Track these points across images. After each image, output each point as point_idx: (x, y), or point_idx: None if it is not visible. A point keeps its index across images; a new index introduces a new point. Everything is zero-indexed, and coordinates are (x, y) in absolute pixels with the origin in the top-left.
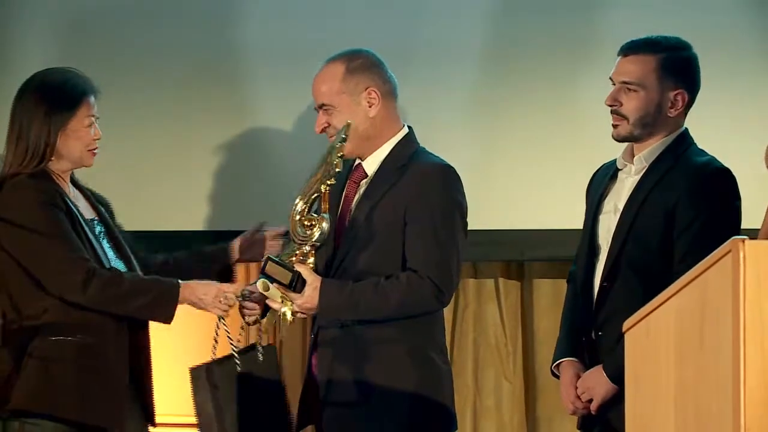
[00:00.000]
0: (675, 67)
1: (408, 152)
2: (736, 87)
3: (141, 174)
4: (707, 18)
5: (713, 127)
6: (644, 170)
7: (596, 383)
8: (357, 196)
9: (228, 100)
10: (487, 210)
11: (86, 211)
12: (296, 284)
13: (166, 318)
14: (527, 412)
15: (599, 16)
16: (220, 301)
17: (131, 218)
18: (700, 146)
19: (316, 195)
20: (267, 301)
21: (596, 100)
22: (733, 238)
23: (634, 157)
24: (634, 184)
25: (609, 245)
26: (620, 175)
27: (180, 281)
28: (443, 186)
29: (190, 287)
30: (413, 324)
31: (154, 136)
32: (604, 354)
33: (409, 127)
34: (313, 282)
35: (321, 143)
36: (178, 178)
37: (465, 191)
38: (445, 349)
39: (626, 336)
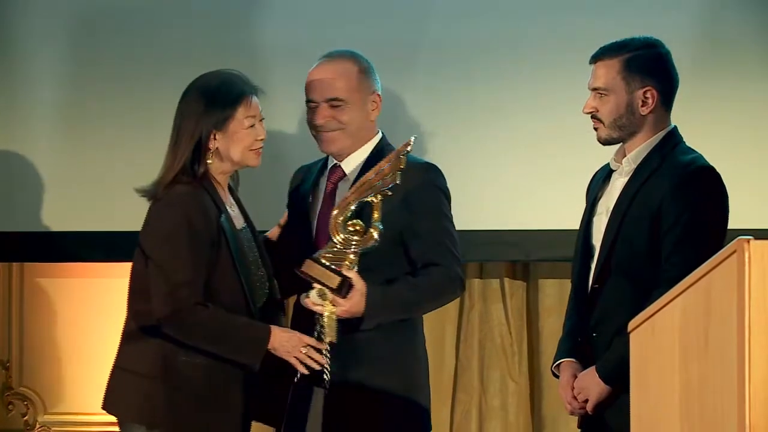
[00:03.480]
0: (640, 65)
1: (388, 153)
2: (735, 88)
3: (153, 173)
4: (710, 19)
5: (712, 128)
6: (632, 171)
7: (590, 384)
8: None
9: None
10: (493, 210)
11: (237, 219)
12: (344, 289)
13: (253, 362)
14: (533, 412)
15: (600, 18)
16: (300, 352)
17: (142, 219)
18: (701, 146)
19: (366, 202)
20: (309, 305)
21: None
22: (739, 238)
23: (624, 158)
24: (623, 186)
25: (599, 247)
26: (613, 176)
27: (268, 327)
28: (434, 179)
29: (273, 334)
30: (398, 323)
31: (164, 136)
32: (598, 355)
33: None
34: (361, 288)
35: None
36: None
37: (471, 192)
38: (424, 345)
39: (631, 336)
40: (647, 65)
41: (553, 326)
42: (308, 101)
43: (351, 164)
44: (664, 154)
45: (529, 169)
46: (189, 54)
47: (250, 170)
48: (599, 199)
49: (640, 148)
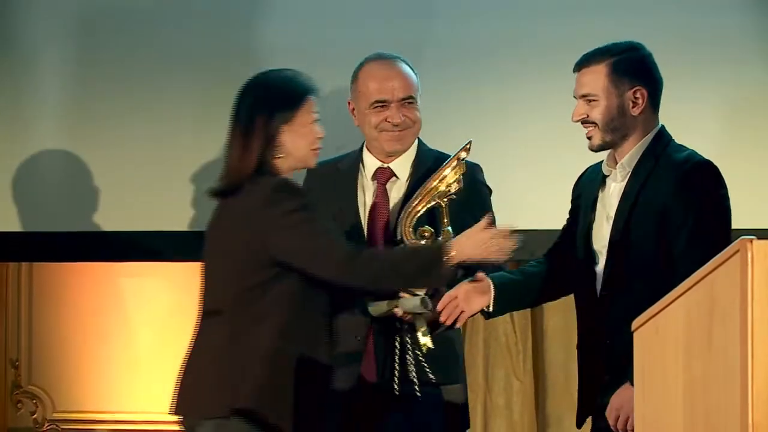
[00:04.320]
0: (626, 67)
1: (432, 153)
2: (736, 88)
3: (155, 174)
4: (709, 20)
5: (713, 128)
6: (628, 176)
7: (628, 399)
8: (395, 198)
9: None
10: (498, 210)
11: None
12: (437, 295)
13: (439, 282)
14: (537, 411)
15: (605, 18)
16: (493, 244)
17: (148, 218)
18: (702, 146)
19: (432, 207)
20: (399, 314)
21: None
22: (742, 237)
23: (617, 163)
24: (621, 191)
25: (606, 254)
26: (607, 181)
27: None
28: (482, 178)
29: (458, 247)
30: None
31: (168, 135)
32: (615, 363)
33: None
34: (444, 292)
35: (335, 145)
36: (193, 178)
37: None
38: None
39: (635, 334)
40: (633, 67)
41: (557, 325)
42: (377, 102)
43: (401, 165)
44: (657, 154)
45: (535, 168)
46: (192, 54)
47: None
48: (596, 205)
49: (632, 152)
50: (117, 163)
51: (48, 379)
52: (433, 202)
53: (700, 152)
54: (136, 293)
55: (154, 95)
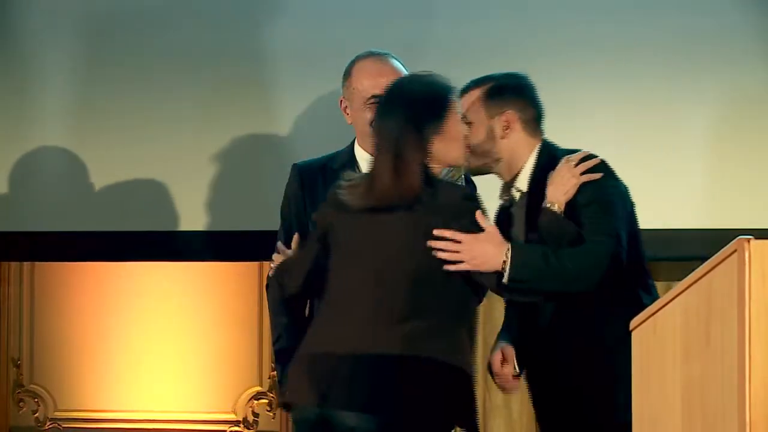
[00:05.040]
0: (498, 93)
1: None
2: (736, 89)
3: (155, 174)
4: (709, 20)
5: (713, 128)
6: (526, 198)
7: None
8: None
9: (245, 101)
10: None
11: None
12: None
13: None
14: None
15: (604, 19)
16: (575, 174)
17: (148, 218)
18: (701, 147)
19: None
20: None
21: (602, 102)
22: (739, 237)
23: (510, 192)
24: (524, 215)
25: None
26: (513, 211)
27: None
28: None
29: (552, 198)
30: None
31: (172, 136)
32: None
33: None
34: None
35: (338, 144)
36: (193, 178)
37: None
38: None
39: (633, 334)
40: (505, 93)
41: None
42: (373, 97)
43: None
44: (544, 167)
45: None
46: (193, 54)
47: (258, 171)
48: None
49: (521, 175)
50: (118, 163)
51: (49, 378)
52: None
53: (699, 152)
54: (136, 293)
55: (155, 95)
